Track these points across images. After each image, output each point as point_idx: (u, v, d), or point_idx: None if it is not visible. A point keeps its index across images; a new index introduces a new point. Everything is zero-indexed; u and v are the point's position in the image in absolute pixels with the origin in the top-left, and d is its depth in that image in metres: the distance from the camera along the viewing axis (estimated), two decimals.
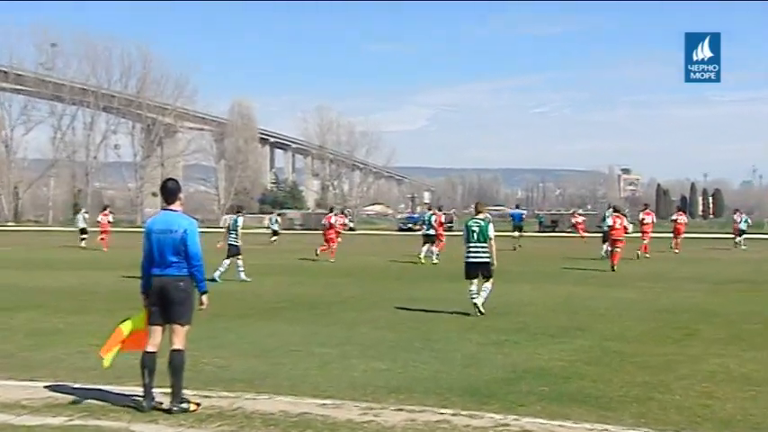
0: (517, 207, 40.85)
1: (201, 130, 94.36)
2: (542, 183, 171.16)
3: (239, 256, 17.66)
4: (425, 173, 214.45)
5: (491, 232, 12.15)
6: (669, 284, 16.56)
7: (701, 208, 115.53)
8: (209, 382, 7.11)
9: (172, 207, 6.47)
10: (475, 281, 11.98)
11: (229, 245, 17.75)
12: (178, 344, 6.27)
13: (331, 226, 25.89)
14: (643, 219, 29.64)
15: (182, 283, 6.28)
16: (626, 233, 22.51)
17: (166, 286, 6.26)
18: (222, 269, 17.31)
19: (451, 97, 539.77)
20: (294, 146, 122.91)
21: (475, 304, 11.78)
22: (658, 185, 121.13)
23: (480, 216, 12.42)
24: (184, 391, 6.25)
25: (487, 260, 12.06)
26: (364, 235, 57.49)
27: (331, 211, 27.91)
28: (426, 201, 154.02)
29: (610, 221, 23.38)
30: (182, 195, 6.60)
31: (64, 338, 9.56)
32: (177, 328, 6.29)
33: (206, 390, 6.76)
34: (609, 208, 28.18)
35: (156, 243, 6.32)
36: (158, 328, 6.34)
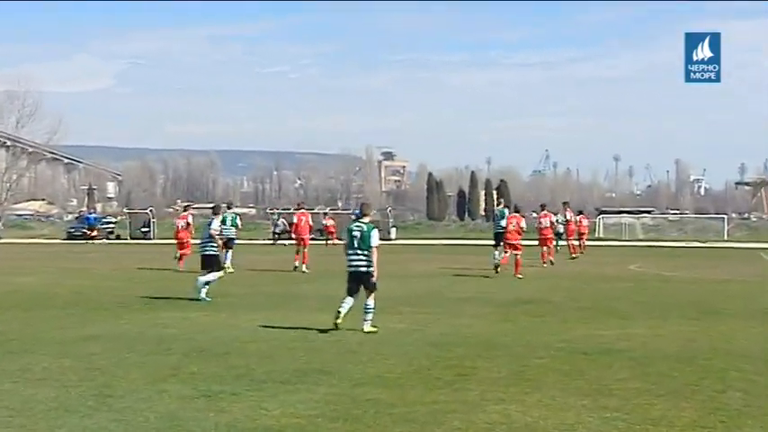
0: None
1: None
2: (277, 170, 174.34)
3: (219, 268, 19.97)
4: (110, 154, 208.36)
5: (375, 239, 14.54)
6: (445, 308, 17.69)
7: (483, 206, 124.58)
8: None
9: None
10: (350, 298, 14.51)
11: (208, 255, 19.75)
12: None
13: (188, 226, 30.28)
14: (540, 222, 33.84)
15: None
16: (520, 236, 27.08)
17: None
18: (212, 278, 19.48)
19: (150, 46, 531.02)
20: None
21: (338, 313, 14.37)
22: (430, 175, 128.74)
23: (365, 219, 14.82)
24: None
25: (368, 269, 14.48)
26: (14, 244, 54.56)
27: (186, 209, 32.58)
28: (111, 194, 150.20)
29: (504, 222, 27.72)
30: None
31: None
32: None
33: None
34: (499, 205, 31.01)
35: None
36: None
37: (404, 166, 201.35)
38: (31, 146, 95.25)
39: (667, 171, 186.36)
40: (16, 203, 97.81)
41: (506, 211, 29.25)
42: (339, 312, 14.42)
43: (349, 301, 14.57)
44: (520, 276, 26.10)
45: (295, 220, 30.78)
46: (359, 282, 14.60)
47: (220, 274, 20.05)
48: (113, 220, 76.16)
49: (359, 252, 14.51)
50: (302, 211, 31.45)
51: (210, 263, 19.68)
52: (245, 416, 8.46)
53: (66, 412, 8.61)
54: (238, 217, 30.14)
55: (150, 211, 73.57)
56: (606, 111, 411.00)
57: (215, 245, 19.87)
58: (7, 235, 70.23)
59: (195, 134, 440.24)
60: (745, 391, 9.78)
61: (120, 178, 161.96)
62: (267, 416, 8.49)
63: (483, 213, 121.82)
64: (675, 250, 50.51)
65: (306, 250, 29.29)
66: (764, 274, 30.08)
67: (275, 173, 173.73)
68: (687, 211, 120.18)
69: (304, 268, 28.49)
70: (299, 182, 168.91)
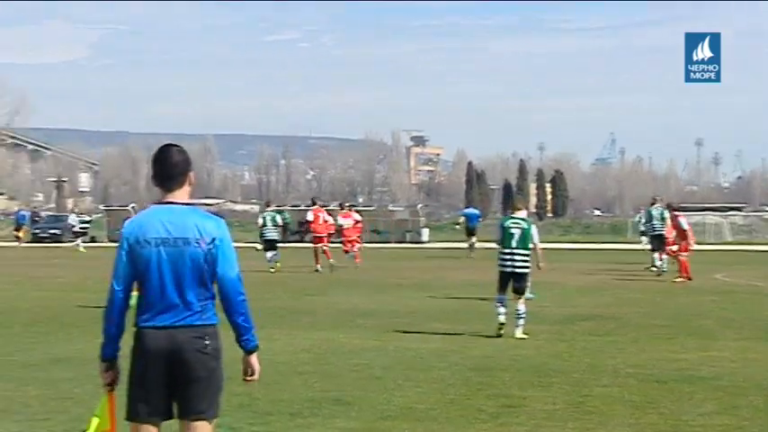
0: (469, 206, 51.42)
1: None
2: (285, 159, 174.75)
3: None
4: (83, 139, 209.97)
5: (536, 237, 16.35)
6: (488, 325, 17.66)
7: (534, 200, 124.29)
8: None
9: (175, 197, 6.20)
10: (503, 298, 16.05)
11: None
12: None
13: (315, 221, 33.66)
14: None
15: (207, 342, 6.05)
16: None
17: (180, 348, 5.97)
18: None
19: (134, 10, 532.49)
20: None
21: (501, 325, 15.96)
22: (470, 165, 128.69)
23: (520, 215, 16.45)
24: None
25: (526, 271, 16.22)
26: None
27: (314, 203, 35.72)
28: (84, 187, 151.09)
29: (662, 225, 30.70)
30: (192, 175, 6.29)
31: None
32: (198, 426, 6.05)
33: None
34: (654, 203, 33.04)
35: (157, 266, 6.04)
36: (147, 430, 6.02)
37: (438, 154, 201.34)
38: None
39: (762, 159, 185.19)
40: None
41: (666, 212, 30.56)
42: (501, 323, 15.99)
43: (502, 302, 16.10)
44: (685, 278, 28.86)
45: (311, 218, 34.07)
46: (511, 281, 16.15)
47: None
48: (87, 218, 76.60)
49: (517, 252, 16.07)
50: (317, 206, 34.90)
51: None
52: None
53: None
54: (278, 215, 34.58)
55: (132, 207, 73.77)
56: (687, 86, 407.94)
57: None
58: None
59: (187, 116, 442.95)
60: None
61: (95, 168, 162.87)
62: None
63: (534, 210, 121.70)
64: None
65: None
66: None
67: (283, 162, 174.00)
68: None
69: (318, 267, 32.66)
70: (311, 173, 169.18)
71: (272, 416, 10.09)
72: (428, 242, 64.79)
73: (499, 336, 15.85)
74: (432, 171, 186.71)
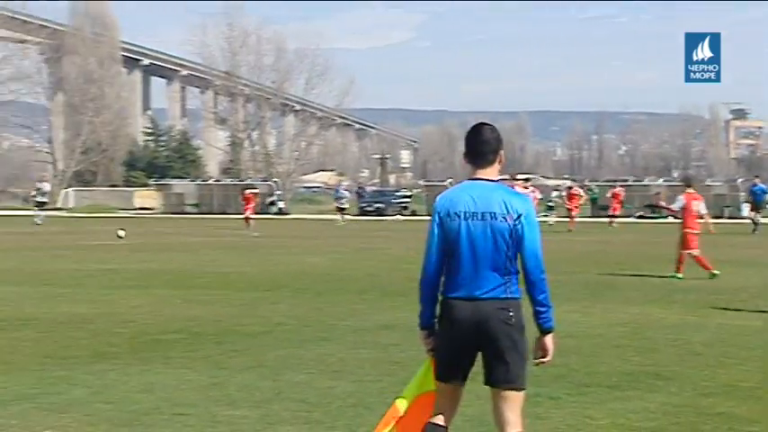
0: (756, 177, 50.51)
1: (22, 42, 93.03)
2: (597, 135, 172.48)
3: None
4: (404, 118, 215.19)
5: None
6: None
7: None
8: None
9: (485, 174, 6.39)
10: None
11: None
12: (514, 425, 6.27)
13: None
14: None
15: (511, 313, 6.20)
16: None
17: (485, 318, 6.17)
18: None
19: None
20: (184, 73, 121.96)
21: None
22: None
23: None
24: None
25: None
26: (302, 220, 57.51)
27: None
28: (405, 163, 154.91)
29: None
30: (502, 153, 6.50)
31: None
32: (509, 395, 6.28)
33: None
34: None
35: (466, 239, 6.22)
36: (451, 389, 6.36)
37: (759, 127, 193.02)
38: (322, 110, 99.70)
39: None
40: (304, 175, 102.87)
41: None
42: None
43: None
44: None
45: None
46: None
47: None
48: (408, 193, 78.68)
49: None
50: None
51: None
52: (566, 424, 8.53)
53: (365, 410, 8.98)
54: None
55: (449, 183, 75.00)
56: None
57: None
58: (295, 210, 74.07)
59: (502, 94, 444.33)
60: None
61: (415, 145, 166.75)
62: (593, 425, 8.52)
63: None
64: None
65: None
66: None
67: (595, 137, 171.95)
68: None
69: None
70: (623, 148, 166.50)
71: (590, 387, 10.04)
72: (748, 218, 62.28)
73: None
74: (753, 145, 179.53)
